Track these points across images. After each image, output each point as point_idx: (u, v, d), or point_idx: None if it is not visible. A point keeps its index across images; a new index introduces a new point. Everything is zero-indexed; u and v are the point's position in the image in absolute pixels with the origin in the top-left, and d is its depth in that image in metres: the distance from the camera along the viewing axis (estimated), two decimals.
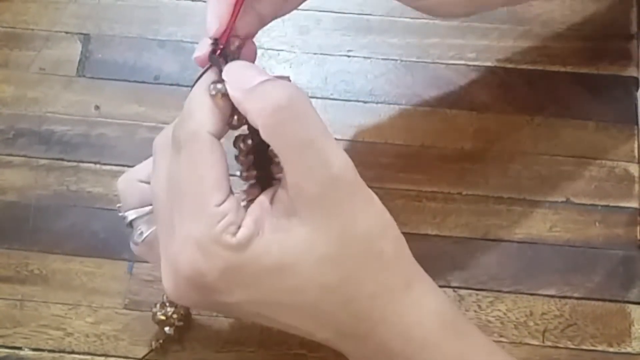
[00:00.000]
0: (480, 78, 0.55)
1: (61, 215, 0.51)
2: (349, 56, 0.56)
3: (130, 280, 0.49)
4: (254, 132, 0.35)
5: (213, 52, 0.36)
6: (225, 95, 0.34)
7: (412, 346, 0.35)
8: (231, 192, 0.34)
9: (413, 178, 0.52)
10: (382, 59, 0.55)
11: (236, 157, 0.36)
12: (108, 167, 0.52)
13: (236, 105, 0.34)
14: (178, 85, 0.54)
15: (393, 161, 0.52)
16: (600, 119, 0.54)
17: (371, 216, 0.34)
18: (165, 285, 0.35)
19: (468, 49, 0.55)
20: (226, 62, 0.35)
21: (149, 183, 0.38)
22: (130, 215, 0.40)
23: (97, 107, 0.54)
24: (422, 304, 0.36)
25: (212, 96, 0.34)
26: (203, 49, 0.36)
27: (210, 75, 0.35)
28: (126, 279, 0.49)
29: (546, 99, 0.54)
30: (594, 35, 0.56)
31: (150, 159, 0.38)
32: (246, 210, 0.34)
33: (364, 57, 0.56)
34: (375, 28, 0.56)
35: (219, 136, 0.34)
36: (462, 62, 0.55)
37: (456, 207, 0.51)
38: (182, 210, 0.33)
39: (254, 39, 0.40)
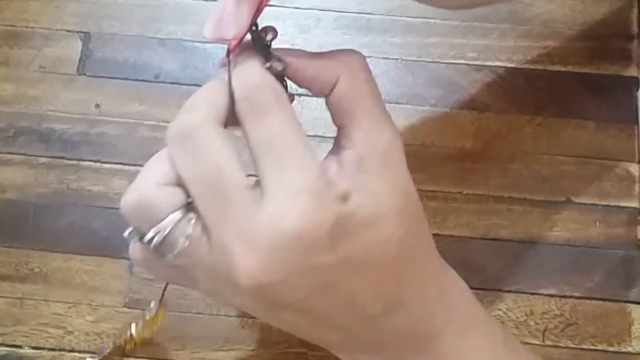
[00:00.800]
0: (481, 77, 0.55)
1: (61, 214, 0.51)
2: None
3: (130, 278, 0.49)
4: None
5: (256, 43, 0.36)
6: (277, 74, 0.35)
7: (435, 327, 0.36)
8: None
9: (413, 177, 0.51)
10: (383, 58, 0.55)
11: None
12: (108, 166, 0.52)
13: (302, 68, 0.37)
14: (179, 83, 0.54)
15: None
16: (601, 118, 0.54)
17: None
18: (250, 263, 0.31)
19: (469, 49, 0.55)
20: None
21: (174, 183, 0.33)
22: (161, 231, 0.32)
23: (97, 106, 0.54)
24: (452, 282, 0.38)
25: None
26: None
27: (254, 61, 0.35)
28: (127, 278, 0.49)
29: (547, 98, 0.54)
30: (595, 35, 0.56)
31: (152, 160, 0.34)
32: None
33: (365, 56, 0.55)
34: (375, 27, 0.56)
35: None
36: (463, 61, 0.55)
37: (456, 206, 0.51)
38: (282, 167, 0.32)
39: None
